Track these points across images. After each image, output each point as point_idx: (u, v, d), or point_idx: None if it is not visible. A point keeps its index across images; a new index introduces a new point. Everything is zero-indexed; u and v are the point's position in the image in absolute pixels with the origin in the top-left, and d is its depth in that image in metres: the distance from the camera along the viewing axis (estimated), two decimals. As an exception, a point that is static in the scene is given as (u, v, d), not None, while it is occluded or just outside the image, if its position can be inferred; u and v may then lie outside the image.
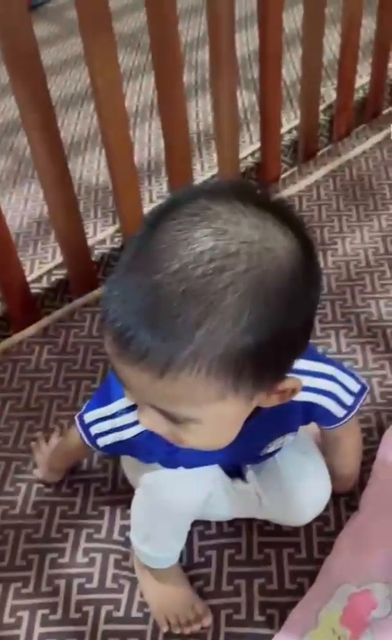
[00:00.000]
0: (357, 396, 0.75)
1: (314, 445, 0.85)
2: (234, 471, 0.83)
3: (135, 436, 0.70)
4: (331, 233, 1.40)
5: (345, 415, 0.75)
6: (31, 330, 1.25)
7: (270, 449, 0.76)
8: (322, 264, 1.33)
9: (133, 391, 0.55)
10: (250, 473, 0.83)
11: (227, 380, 0.50)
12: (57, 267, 1.36)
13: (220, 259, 0.47)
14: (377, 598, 0.84)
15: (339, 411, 0.74)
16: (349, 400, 0.74)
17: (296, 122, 1.62)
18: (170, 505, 0.78)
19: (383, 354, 1.16)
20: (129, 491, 0.97)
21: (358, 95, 1.68)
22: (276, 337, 0.49)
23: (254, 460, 0.80)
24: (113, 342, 0.50)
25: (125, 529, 0.96)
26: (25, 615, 0.89)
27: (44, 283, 1.33)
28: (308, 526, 0.93)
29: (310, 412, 0.72)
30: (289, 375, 0.56)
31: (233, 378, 0.50)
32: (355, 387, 0.74)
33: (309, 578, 0.89)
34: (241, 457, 0.79)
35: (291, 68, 1.86)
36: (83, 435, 0.77)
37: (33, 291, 1.28)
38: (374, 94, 1.69)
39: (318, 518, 0.94)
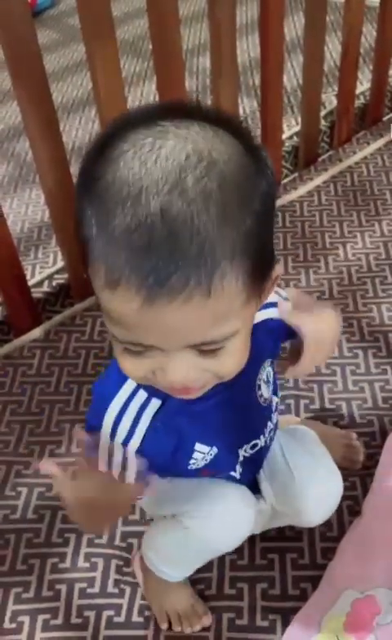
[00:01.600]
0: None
1: (324, 448, 0.84)
2: (251, 484, 0.81)
3: (141, 442, 0.66)
4: (332, 239, 1.40)
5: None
6: (32, 334, 1.25)
7: (263, 390, 0.73)
8: (323, 270, 1.33)
9: (170, 338, 0.51)
10: (265, 485, 0.82)
11: (255, 276, 0.51)
12: (58, 271, 1.36)
13: (202, 160, 0.47)
14: (381, 604, 0.83)
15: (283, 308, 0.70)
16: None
17: (297, 128, 1.62)
18: (213, 547, 0.77)
19: (385, 359, 1.16)
20: (130, 495, 0.97)
21: (359, 101, 1.69)
22: (265, 217, 0.51)
23: (261, 419, 0.76)
24: (142, 290, 0.47)
25: (126, 535, 0.95)
26: (26, 620, 0.88)
27: (45, 288, 1.33)
28: (311, 532, 0.93)
29: (273, 328, 0.69)
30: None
31: (259, 273, 0.51)
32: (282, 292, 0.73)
33: (312, 583, 0.88)
34: (247, 415, 0.73)
35: (292, 74, 1.86)
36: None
37: (34, 295, 1.28)
38: (374, 100, 1.69)
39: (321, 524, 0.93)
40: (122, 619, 0.87)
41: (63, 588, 0.91)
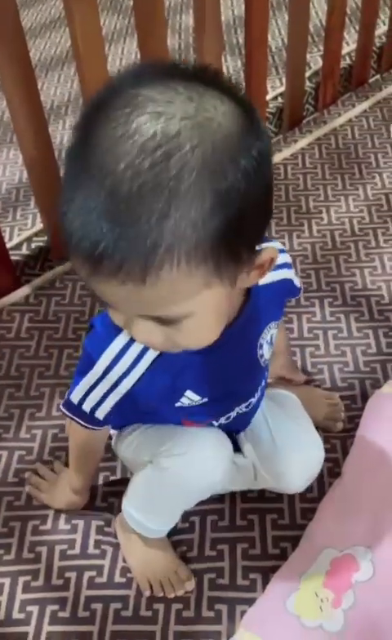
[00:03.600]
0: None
1: (306, 414, 0.85)
2: (233, 443, 0.82)
3: (135, 383, 0.67)
4: (316, 202, 1.38)
5: (300, 288, 0.78)
6: (11, 298, 1.23)
7: (265, 350, 0.73)
8: (307, 233, 1.32)
9: (120, 307, 0.53)
10: (247, 447, 0.83)
11: (207, 266, 0.49)
12: (37, 234, 1.33)
13: (164, 144, 0.45)
14: (359, 562, 0.84)
15: (298, 284, 0.77)
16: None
17: (282, 89, 1.59)
18: (189, 488, 0.78)
19: (367, 323, 1.16)
20: (112, 458, 0.97)
21: (345, 62, 1.66)
22: (242, 208, 0.48)
23: (258, 380, 0.77)
24: (85, 263, 0.48)
25: (107, 495, 0.95)
26: (7, 581, 0.88)
27: (24, 250, 1.31)
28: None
29: (286, 291, 0.73)
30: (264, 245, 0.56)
31: (213, 263, 0.49)
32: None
33: (291, 543, 0.89)
34: (246, 373, 0.74)
35: (277, 34, 1.82)
36: (78, 419, 0.73)
37: (12, 258, 1.25)
38: (360, 61, 1.66)
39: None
40: (103, 579, 0.88)
41: (43, 550, 0.91)
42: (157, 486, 0.79)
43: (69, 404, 0.73)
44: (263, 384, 0.78)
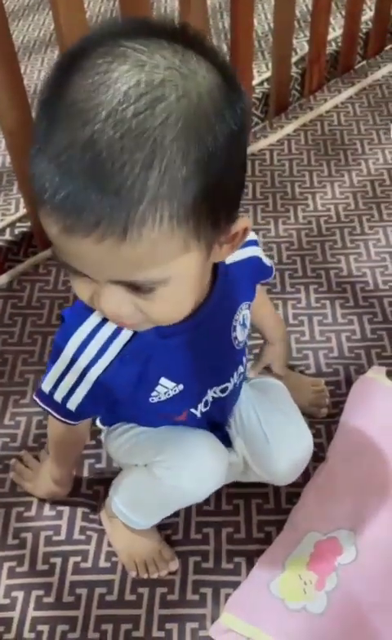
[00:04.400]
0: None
1: (294, 404, 0.84)
2: (223, 437, 0.81)
3: (105, 370, 0.64)
4: (302, 188, 1.38)
5: (271, 267, 0.78)
6: (-6, 284, 1.22)
7: (238, 332, 0.72)
8: (292, 220, 1.32)
9: (92, 271, 0.50)
10: (239, 442, 0.82)
11: (188, 226, 0.47)
12: (21, 219, 1.32)
13: (149, 92, 0.43)
14: (343, 545, 0.85)
15: (268, 263, 0.77)
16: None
17: (268, 74, 1.58)
18: (183, 497, 0.77)
19: (352, 309, 1.16)
20: (97, 446, 0.97)
21: (331, 48, 1.65)
22: (225, 168, 0.47)
23: (233, 363, 0.75)
24: (60, 217, 0.45)
25: (92, 482, 0.95)
26: (-8, 567, 0.88)
27: (7, 236, 1.29)
28: (276, 477, 0.94)
29: (254, 268, 0.72)
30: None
31: (194, 223, 0.47)
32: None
33: (276, 527, 0.90)
34: (220, 356, 0.72)
35: (263, 18, 1.81)
36: (51, 411, 0.70)
37: (-4, 244, 1.24)
38: (347, 47, 1.65)
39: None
40: (89, 564, 0.88)
41: (28, 536, 0.91)
42: (149, 491, 0.78)
43: (41, 394, 0.70)
44: (240, 369, 0.76)
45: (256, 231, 1.29)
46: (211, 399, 0.75)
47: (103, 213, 0.44)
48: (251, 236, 0.71)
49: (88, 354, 0.64)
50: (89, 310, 0.62)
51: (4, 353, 1.12)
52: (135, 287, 0.50)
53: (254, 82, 1.54)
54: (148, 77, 0.44)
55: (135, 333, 0.63)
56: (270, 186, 1.39)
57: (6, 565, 0.88)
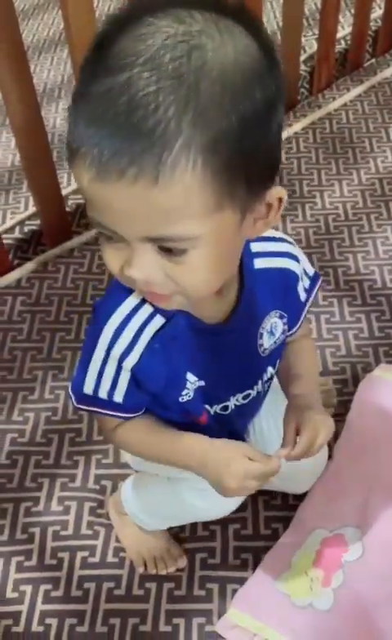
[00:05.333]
0: (313, 280, 0.73)
1: None
2: None
3: (138, 361, 0.63)
4: (310, 187, 1.38)
5: (306, 300, 0.72)
6: (3, 281, 1.22)
7: (265, 340, 0.69)
8: (300, 218, 1.32)
9: (123, 226, 0.49)
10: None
11: (221, 180, 0.46)
12: (30, 217, 1.33)
13: (185, 41, 0.44)
14: (349, 542, 0.85)
15: (302, 293, 0.72)
16: (307, 282, 0.72)
17: (276, 72, 1.58)
18: (202, 515, 0.78)
19: (359, 307, 1.16)
20: (104, 441, 0.98)
21: (340, 46, 1.65)
22: (260, 124, 0.47)
23: (258, 370, 0.72)
24: (94, 161, 0.45)
25: (100, 478, 0.96)
26: (0, 562, 0.89)
27: (17, 234, 1.30)
28: (282, 474, 0.95)
29: (288, 283, 0.69)
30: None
31: (228, 175, 0.47)
32: (310, 269, 0.73)
33: (283, 524, 0.90)
34: (244, 362, 0.70)
35: (271, 17, 1.80)
36: (102, 410, 0.67)
37: (5, 241, 1.25)
38: (356, 45, 1.65)
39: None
40: (96, 559, 0.89)
41: (36, 531, 0.91)
42: (168, 504, 0.78)
43: (82, 398, 0.67)
44: (265, 377, 0.73)
45: (264, 229, 1.29)
46: (233, 406, 0.72)
47: (136, 154, 0.44)
48: (291, 249, 0.69)
49: (124, 340, 0.62)
50: (122, 295, 0.61)
51: (13, 349, 1.13)
52: (166, 250, 0.50)
53: (263, 81, 1.54)
54: (186, 28, 0.45)
55: (167, 320, 0.62)
56: (278, 184, 1.38)
57: (15, 559, 0.89)
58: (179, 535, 0.90)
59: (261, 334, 0.69)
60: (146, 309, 0.61)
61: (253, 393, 0.73)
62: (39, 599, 0.85)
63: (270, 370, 0.73)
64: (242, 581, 0.85)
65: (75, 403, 0.68)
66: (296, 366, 0.75)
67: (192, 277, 0.52)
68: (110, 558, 0.89)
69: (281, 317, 0.70)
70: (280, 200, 0.54)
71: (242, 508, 0.92)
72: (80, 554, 0.89)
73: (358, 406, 1.00)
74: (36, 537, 0.91)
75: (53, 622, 0.84)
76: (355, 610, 0.80)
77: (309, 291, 0.72)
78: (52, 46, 1.82)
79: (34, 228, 1.31)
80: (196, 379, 0.68)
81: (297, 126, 1.50)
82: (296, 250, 0.69)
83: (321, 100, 1.58)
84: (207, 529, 0.90)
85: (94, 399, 0.67)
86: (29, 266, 1.25)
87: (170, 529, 0.89)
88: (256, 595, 0.83)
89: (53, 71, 1.73)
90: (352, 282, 1.20)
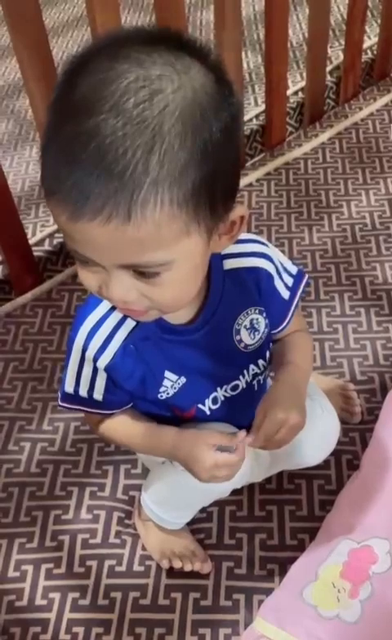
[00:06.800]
0: (296, 278, 0.75)
1: (321, 392, 0.84)
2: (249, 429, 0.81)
3: (110, 362, 0.67)
4: (337, 196, 1.38)
5: (291, 298, 0.75)
6: (34, 293, 1.25)
7: (244, 336, 0.72)
8: (327, 228, 1.32)
9: (100, 256, 0.53)
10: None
11: (188, 210, 0.50)
12: (59, 230, 1.34)
13: (147, 85, 0.48)
14: (377, 554, 0.85)
15: (283, 291, 0.74)
16: (289, 280, 0.74)
17: (302, 83, 1.58)
18: (210, 491, 0.78)
19: (387, 317, 1.15)
20: (133, 452, 0.98)
21: (366, 56, 1.65)
22: (219, 154, 0.51)
23: (239, 365, 0.74)
24: (69, 204, 0.48)
25: (128, 488, 0.97)
26: (30, 569, 0.90)
27: (46, 246, 1.33)
28: (309, 484, 0.94)
29: (259, 281, 0.71)
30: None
31: (193, 205, 0.50)
32: (292, 268, 0.75)
33: (309, 534, 0.90)
34: (223, 358, 0.72)
35: (297, 28, 1.82)
36: (84, 407, 0.72)
37: (35, 254, 1.27)
38: (382, 55, 1.65)
39: (319, 477, 0.95)
40: (123, 568, 0.89)
41: (66, 539, 0.93)
42: (175, 488, 0.79)
43: (66, 397, 0.72)
44: (251, 371, 0.75)
45: (290, 239, 1.30)
46: (222, 398, 0.75)
47: (108, 196, 0.47)
48: (263, 249, 0.72)
49: (97, 342, 0.67)
50: (97, 300, 0.66)
51: (43, 360, 1.15)
52: (140, 273, 0.54)
53: (289, 92, 1.55)
54: (146, 72, 0.48)
55: (138, 323, 0.66)
56: (305, 194, 1.39)
57: (44, 566, 0.90)
58: (204, 542, 0.90)
59: (238, 330, 0.71)
60: (118, 314, 0.66)
61: (241, 383, 0.75)
62: (67, 607, 0.86)
63: (261, 362, 0.76)
64: (268, 592, 0.85)
65: (59, 402, 0.74)
66: (285, 355, 0.77)
67: (166, 295, 0.56)
68: (136, 567, 0.89)
69: (261, 312, 0.73)
70: (242, 218, 0.58)
71: (268, 517, 0.92)
72: (107, 563, 0.90)
73: (387, 416, 0.99)
74: (65, 545, 0.92)
75: (79, 630, 0.84)
76: (383, 622, 0.80)
77: (292, 289, 0.75)
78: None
79: (62, 240, 1.30)
80: (176, 377, 0.71)
81: (324, 137, 1.51)
82: (269, 250, 0.72)
83: (347, 109, 1.58)
84: (234, 537, 0.91)
85: (75, 397, 0.72)
86: (59, 278, 1.27)
87: (194, 533, 0.90)
88: (283, 605, 0.83)
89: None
90: (379, 292, 1.20)
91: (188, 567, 0.86)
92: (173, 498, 0.83)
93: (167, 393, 0.71)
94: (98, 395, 0.71)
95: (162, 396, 0.71)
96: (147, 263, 0.52)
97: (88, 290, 0.59)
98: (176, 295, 0.57)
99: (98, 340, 0.67)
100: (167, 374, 0.70)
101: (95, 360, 0.67)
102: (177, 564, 0.87)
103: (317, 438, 0.81)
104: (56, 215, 0.51)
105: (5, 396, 1.10)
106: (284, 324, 0.76)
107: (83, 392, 0.71)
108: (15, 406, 1.08)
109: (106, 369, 0.68)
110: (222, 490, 0.79)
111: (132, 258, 0.52)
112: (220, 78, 0.52)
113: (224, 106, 0.51)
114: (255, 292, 0.71)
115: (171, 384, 0.71)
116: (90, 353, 0.67)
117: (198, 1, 2.00)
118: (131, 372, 0.68)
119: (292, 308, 0.76)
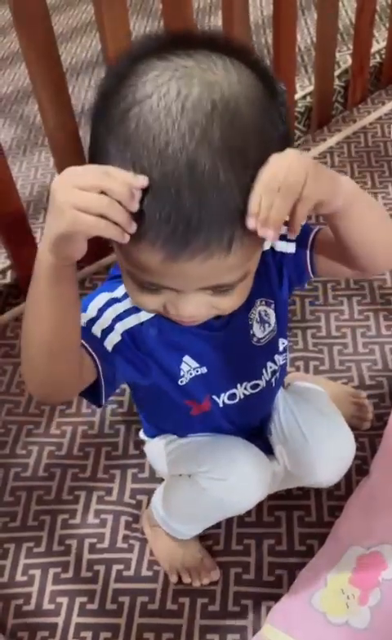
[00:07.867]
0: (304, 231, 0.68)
1: (336, 409, 0.84)
2: (265, 446, 0.82)
3: (130, 329, 0.65)
4: (345, 201, 1.37)
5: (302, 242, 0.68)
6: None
7: (255, 330, 0.71)
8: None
9: (185, 284, 0.53)
10: (279, 448, 0.82)
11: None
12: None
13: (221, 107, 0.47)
14: (387, 560, 0.84)
15: (288, 249, 0.68)
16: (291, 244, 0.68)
17: (311, 88, 1.58)
18: (227, 509, 0.79)
19: (396, 321, 1.15)
20: (141, 455, 0.98)
21: (375, 60, 1.65)
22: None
23: (257, 360, 0.75)
24: (166, 246, 0.48)
25: (136, 492, 0.97)
26: (37, 573, 0.90)
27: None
28: (318, 490, 0.94)
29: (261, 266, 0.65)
30: None
31: None
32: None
33: (318, 540, 0.89)
34: (242, 352, 0.72)
35: (305, 33, 1.82)
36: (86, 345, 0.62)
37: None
38: (390, 59, 1.65)
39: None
40: (131, 572, 0.89)
41: (73, 543, 0.92)
42: (193, 502, 0.79)
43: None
44: (270, 366, 0.76)
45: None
46: (242, 395, 0.75)
47: (212, 236, 0.48)
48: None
49: (107, 317, 0.64)
50: (119, 283, 0.64)
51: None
52: (218, 290, 0.55)
53: (297, 96, 1.55)
54: (221, 95, 0.47)
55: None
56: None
57: (52, 571, 0.90)
58: (212, 549, 0.90)
59: (251, 324, 0.71)
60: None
61: (262, 383, 0.76)
62: (75, 612, 0.86)
63: (277, 357, 0.76)
64: (276, 598, 0.84)
65: None
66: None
67: (234, 302, 0.58)
68: (144, 572, 0.89)
69: (267, 304, 0.72)
70: None
71: (276, 523, 0.92)
72: (115, 567, 0.90)
73: (395, 422, 0.99)
74: (72, 549, 0.92)
75: (87, 635, 0.84)
76: (393, 629, 0.79)
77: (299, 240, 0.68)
78: (90, 67, 1.87)
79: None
80: (197, 364, 0.70)
81: (332, 141, 1.50)
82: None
83: (356, 114, 1.58)
84: (242, 543, 0.90)
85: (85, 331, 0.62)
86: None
87: (202, 539, 0.89)
88: (292, 612, 0.82)
89: (90, 92, 1.76)
90: (388, 296, 1.19)
91: (196, 583, 0.86)
92: (190, 513, 0.82)
93: (186, 379, 0.71)
94: (109, 345, 0.63)
95: (182, 381, 0.71)
96: (232, 281, 0.54)
97: (142, 308, 0.61)
98: (242, 299, 0.59)
99: (109, 315, 0.64)
100: (187, 358, 0.70)
101: (103, 336, 0.63)
102: (186, 580, 0.86)
103: (331, 463, 0.81)
104: (144, 257, 0.49)
105: (13, 400, 1.10)
106: (309, 241, 0.68)
107: (97, 331, 0.63)
108: (22, 410, 1.08)
109: (123, 335, 0.64)
110: (239, 508, 0.79)
111: (219, 280, 0.53)
112: (268, 85, 0.51)
113: (279, 124, 0.52)
114: (269, 280, 0.69)
115: (188, 369, 0.71)
116: (107, 316, 0.64)
117: (206, 6, 2.01)
118: (152, 343, 0.66)
119: (310, 237, 0.68)
